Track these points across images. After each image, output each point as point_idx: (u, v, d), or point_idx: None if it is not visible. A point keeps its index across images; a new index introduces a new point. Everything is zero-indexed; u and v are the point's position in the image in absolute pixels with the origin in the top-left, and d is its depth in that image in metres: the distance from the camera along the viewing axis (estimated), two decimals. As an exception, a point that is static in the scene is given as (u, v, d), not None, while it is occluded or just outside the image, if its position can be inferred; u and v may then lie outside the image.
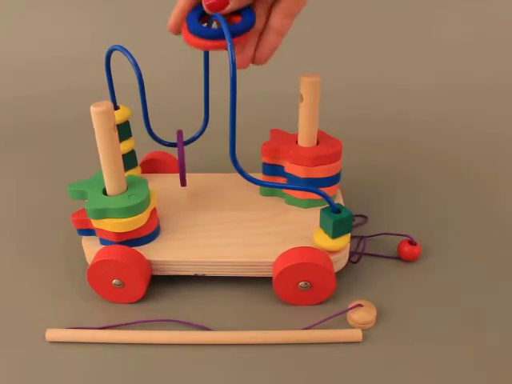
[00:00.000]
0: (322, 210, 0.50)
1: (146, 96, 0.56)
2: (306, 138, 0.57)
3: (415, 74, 1.06)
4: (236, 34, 0.43)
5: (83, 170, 0.71)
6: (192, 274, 0.53)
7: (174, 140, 0.60)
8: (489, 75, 1.04)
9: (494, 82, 1.03)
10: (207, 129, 0.63)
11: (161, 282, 0.55)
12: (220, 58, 0.77)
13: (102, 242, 0.53)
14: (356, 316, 0.48)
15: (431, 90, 1.02)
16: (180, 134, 0.58)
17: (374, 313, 0.49)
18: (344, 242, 0.50)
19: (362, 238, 0.60)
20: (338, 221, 0.49)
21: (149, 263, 0.52)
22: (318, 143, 0.58)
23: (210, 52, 0.58)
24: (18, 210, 0.69)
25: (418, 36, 1.10)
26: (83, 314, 0.51)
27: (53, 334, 0.48)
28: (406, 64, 1.07)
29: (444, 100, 0.99)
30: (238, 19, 0.44)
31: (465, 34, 1.09)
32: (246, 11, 0.44)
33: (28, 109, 1.01)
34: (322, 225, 0.51)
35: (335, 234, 0.50)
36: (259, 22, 0.44)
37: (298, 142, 0.58)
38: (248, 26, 0.43)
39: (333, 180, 0.58)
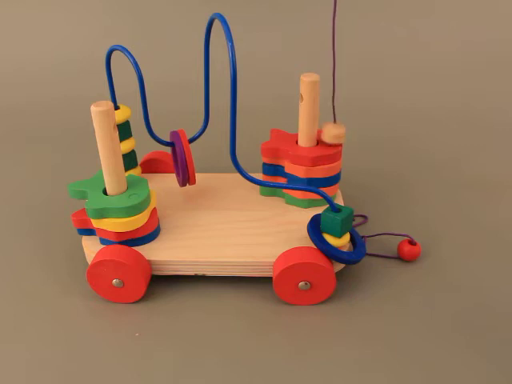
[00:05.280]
0: (324, 212, 0.50)
1: (146, 96, 0.56)
2: (305, 137, 0.57)
3: (416, 78, 1.06)
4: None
5: (83, 170, 0.71)
6: (192, 273, 0.53)
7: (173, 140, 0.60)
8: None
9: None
10: (207, 129, 0.63)
11: (161, 282, 0.55)
12: (220, 59, 0.77)
13: (102, 241, 0.53)
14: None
15: (430, 93, 1.02)
16: (182, 133, 0.58)
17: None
18: (347, 238, 0.51)
19: (362, 238, 0.60)
20: (344, 219, 0.49)
21: (149, 263, 0.52)
22: (317, 143, 0.58)
23: (211, 52, 0.58)
24: (19, 210, 0.69)
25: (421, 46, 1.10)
26: (83, 313, 0.51)
27: None
28: (406, 66, 1.07)
29: (442, 101, 0.99)
30: None
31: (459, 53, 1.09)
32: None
33: (28, 110, 1.01)
34: (325, 227, 0.50)
35: (342, 233, 0.50)
36: None
37: (298, 142, 0.58)
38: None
39: (333, 180, 0.58)
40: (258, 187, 0.62)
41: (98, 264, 0.50)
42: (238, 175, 0.51)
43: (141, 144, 0.65)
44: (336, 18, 0.48)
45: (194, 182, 0.59)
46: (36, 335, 0.49)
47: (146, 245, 0.53)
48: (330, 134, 0.55)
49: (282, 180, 0.60)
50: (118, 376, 0.45)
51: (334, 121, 0.56)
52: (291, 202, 0.59)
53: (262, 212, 0.58)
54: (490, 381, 0.44)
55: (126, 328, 0.50)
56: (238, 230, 0.55)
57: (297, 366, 0.46)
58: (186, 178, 0.59)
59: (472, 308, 0.51)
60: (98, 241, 0.53)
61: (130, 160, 0.61)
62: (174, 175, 0.66)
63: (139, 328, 0.50)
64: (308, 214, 0.57)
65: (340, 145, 0.57)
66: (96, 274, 0.50)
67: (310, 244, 0.51)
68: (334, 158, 0.56)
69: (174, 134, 0.59)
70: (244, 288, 0.54)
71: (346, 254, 0.50)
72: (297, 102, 0.56)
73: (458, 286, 0.54)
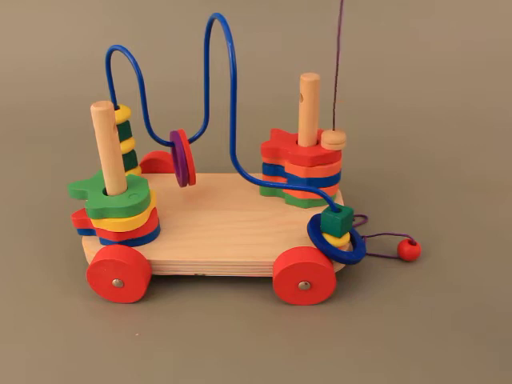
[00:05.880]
0: (324, 212, 0.50)
1: (146, 96, 0.56)
2: (305, 137, 0.57)
3: (416, 78, 1.06)
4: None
5: (83, 170, 0.71)
6: (192, 273, 0.53)
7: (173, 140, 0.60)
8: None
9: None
10: (207, 129, 0.63)
11: (161, 282, 0.55)
12: (220, 59, 0.77)
13: (102, 241, 0.53)
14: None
15: (430, 93, 1.02)
16: (182, 133, 0.58)
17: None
18: (347, 238, 0.51)
19: (362, 238, 0.60)
20: (344, 219, 0.49)
21: (149, 263, 0.52)
22: (317, 143, 0.58)
23: (211, 52, 0.58)
24: (19, 210, 0.69)
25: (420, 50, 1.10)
26: (83, 313, 0.51)
27: None
28: (407, 66, 1.08)
29: (442, 101, 0.99)
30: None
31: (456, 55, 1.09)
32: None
33: (28, 110, 1.01)
34: (325, 227, 0.50)
35: (342, 233, 0.50)
36: None
37: (298, 142, 0.58)
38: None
39: (333, 180, 0.58)
40: (257, 187, 0.62)
41: (98, 264, 0.50)
42: (238, 175, 0.51)
43: (141, 144, 0.65)
44: (342, 25, 0.48)
45: (194, 182, 0.59)
46: (36, 335, 0.49)
47: (146, 245, 0.53)
48: (328, 140, 0.55)
49: (282, 180, 0.60)
50: (118, 376, 0.45)
51: (333, 128, 0.56)
52: (291, 201, 0.59)
53: (262, 212, 0.58)
54: (490, 381, 0.44)
55: (126, 328, 0.50)
56: (238, 229, 0.55)
57: (297, 366, 0.46)
58: (185, 178, 0.59)
59: (472, 308, 0.51)
60: (98, 241, 0.53)
61: (130, 160, 0.61)
62: (174, 175, 0.66)
63: (139, 328, 0.50)
64: (308, 214, 0.57)
65: (339, 154, 0.57)
66: (96, 273, 0.50)
67: (310, 244, 0.51)
68: (333, 157, 0.56)
69: (174, 133, 0.59)
70: (244, 288, 0.54)
71: (346, 253, 0.50)
72: (297, 102, 0.56)
73: (457, 286, 0.54)
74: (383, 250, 0.59)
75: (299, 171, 0.57)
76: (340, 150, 0.57)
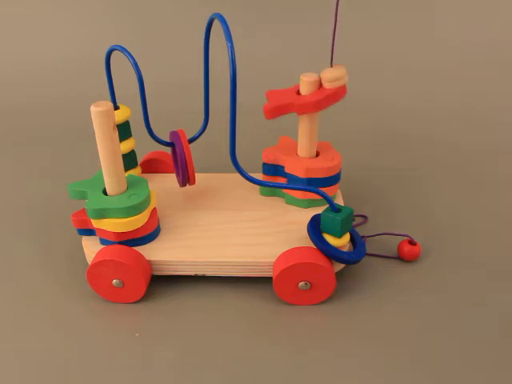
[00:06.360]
0: (324, 212, 0.50)
1: (146, 96, 0.56)
2: (306, 136, 0.57)
3: (416, 78, 1.06)
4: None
5: (83, 170, 0.71)
6: (192, 273, 0.53)
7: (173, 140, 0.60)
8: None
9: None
10: (207, 129, 0.63)
11: (161, 282, 0.55)
12: (220, 59, 0.77)
13: (102, 242, 0.53)
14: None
15: (430, 93, 1.02)
16: (182, 133, 0.58)
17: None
18: (347, 238, 0.51)
19: (362, 238, 0.60)
20: (344, 219, 0.49)
21: (149, 263, 0.52)
22: (321, 86, 0.55)
23: (210, 53, 0.58)
24: (19, 210, 0.69)
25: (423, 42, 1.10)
26: (83, 313, 0.51)
27: None
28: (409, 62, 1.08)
29: (442, 101, 0.99)
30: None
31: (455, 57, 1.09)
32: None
33: (28, 110, 1.01)
34: (325, 227, 0.50)
35: (342, 233, 0.50)
36: None
37: (298, 139, 0.58)
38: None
39: (332, 180, 0.58)
40: (257, 187, 0.62)
41: (98, 264, 0.50)
42: (238, 175, 0.50)
43: (141, 144, 0.65)
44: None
45: (193, 182, 0.59)
46: (36, 335, 0.49)
47: (146, 245, 0.53)
48: (328, 78, 0.52)
49: (282, 180, 0.60)
50: (118, 376, 0.45)
51: (331, 64, 0.53)
52: (291, 202, 0.59)
53: (262, 212, 0.58)
54: (490, 381, 0.44)
55: (125, 328, 0.50)
56: (238, 229, 0.55)
57: (297, 366, 0.46)
58: (185, 178, 0.59)
59: (472, 308, 0.51)
60: (98, 241, 0.53)
61: (129, 160, 0.61)
62: (173, 175, 0.66)
63: (139, 328, 0.50)
64: (308, 214, 0.57)
65: (344, 89, 0.54)
66: (96, 274, 0.50)
67: (310, 244, 0.51)
68: (338, 96, 0.54)
69: (174, 133, 0.59)
70: (244, 288, 0.54)
71: (346, 254, 0.50)
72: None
73: (458, 286, 0.54)
74: (383, 250, 0.59)
75: (299, 171, 0.57)
76: (344, 86, 0.54)
